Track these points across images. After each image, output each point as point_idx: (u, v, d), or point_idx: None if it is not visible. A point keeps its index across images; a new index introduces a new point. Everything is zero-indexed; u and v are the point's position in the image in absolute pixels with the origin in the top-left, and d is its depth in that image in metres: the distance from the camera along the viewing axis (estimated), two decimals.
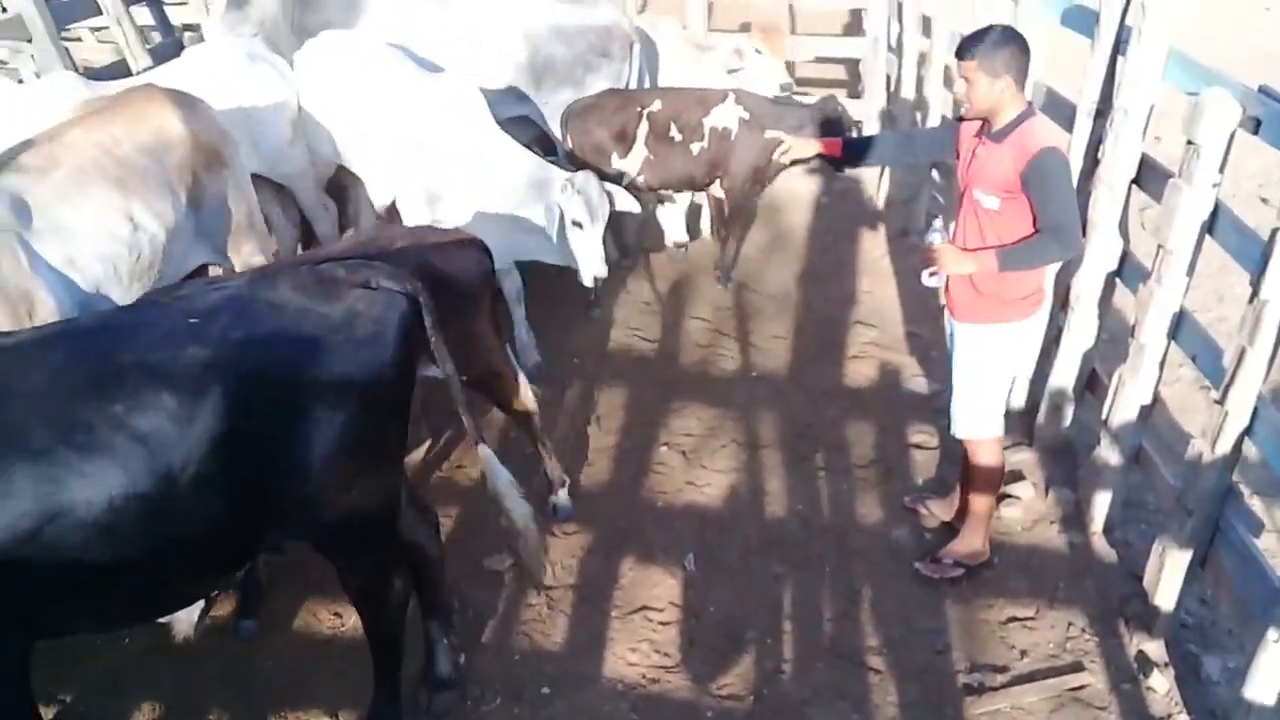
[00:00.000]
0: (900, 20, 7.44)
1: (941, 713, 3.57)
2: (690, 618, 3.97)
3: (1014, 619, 3.92)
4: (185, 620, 3.67)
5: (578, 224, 4.94)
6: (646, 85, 6.74)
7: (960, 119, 3.83)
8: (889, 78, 7.95)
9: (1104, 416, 4.17)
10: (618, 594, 4.08)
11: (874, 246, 7.09)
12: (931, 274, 3.71)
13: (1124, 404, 4.00)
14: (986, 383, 3.94)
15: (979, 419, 3.99)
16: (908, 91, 7.31)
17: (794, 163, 4.88)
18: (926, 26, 6.83)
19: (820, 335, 6.01)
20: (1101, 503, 4.24)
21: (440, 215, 5.08)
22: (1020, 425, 4.82)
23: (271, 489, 2.72)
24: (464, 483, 4.74)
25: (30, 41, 6.06)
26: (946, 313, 4.01)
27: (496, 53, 5.83)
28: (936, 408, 5.12)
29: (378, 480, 2.96)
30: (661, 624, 3.94)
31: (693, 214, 7.18)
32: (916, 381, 5.47)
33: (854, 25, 9.52)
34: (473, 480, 4.72)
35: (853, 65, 9.35)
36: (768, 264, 6.90)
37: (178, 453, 2.50)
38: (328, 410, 2.71)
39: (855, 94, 8.71)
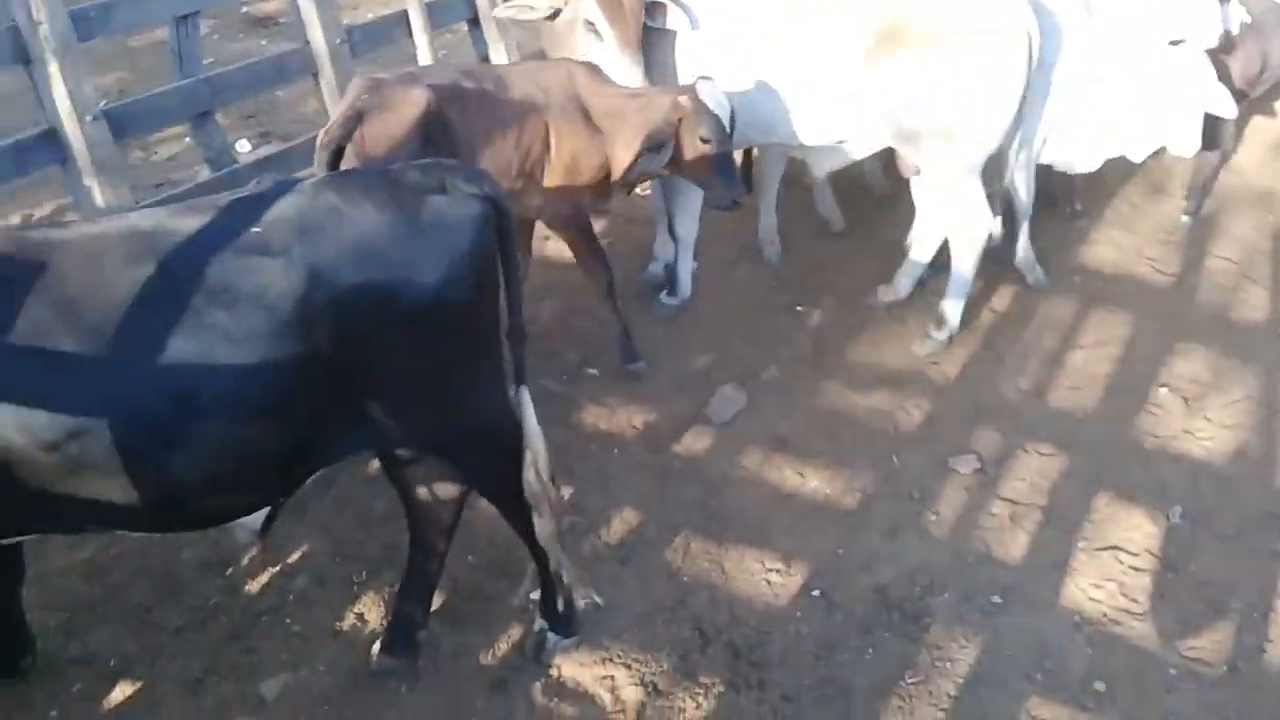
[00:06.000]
0: None
1: None
2: (1167, 570, 3.68)
3: None
4: (247, 529, 3.17)
5: None
6: None
7: None
8: None
9: None
10: (1088, 526, 3.87)
11: None
12: None
13: None
14: None
15: None
16: None
17: None
18: None
19: None
20: None
21: None
22: None
23: (342, 409, 2.60)
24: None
25: None
26: None
27: None
28: None
29: (466, 392, 2.79)
30: (1133, 569, 3.69)
31: None
32: None
33: None
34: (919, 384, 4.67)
35: None
36: None
37: (233, 375, 2.38)
38: (402, 328, 2.56)
39: None
